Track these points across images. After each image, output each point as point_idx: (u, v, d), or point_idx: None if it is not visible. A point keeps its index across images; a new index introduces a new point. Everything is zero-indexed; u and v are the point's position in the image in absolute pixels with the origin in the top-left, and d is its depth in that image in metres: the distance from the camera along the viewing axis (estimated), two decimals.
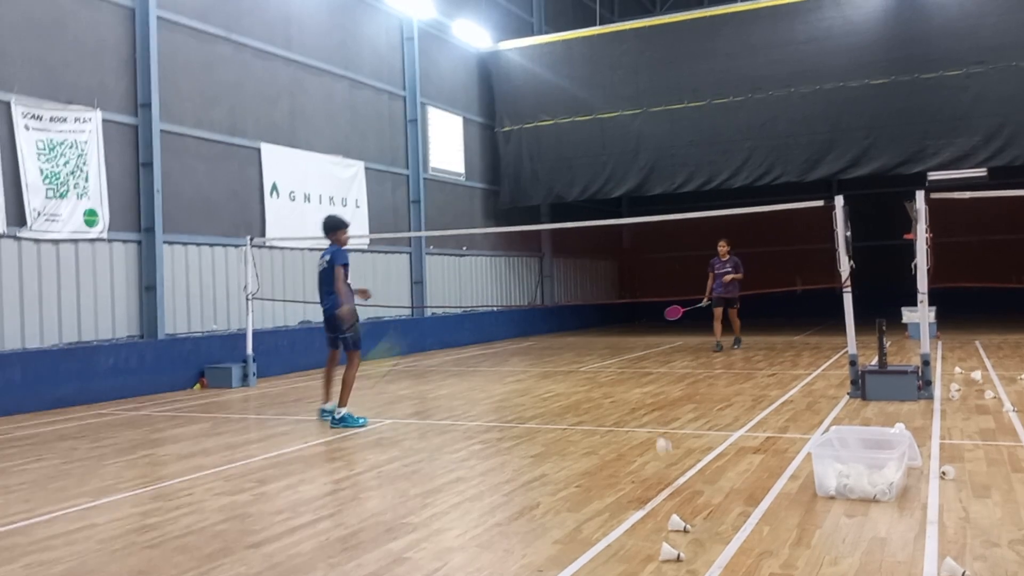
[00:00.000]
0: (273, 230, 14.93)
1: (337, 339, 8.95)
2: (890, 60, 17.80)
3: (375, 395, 11.10)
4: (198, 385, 12.82)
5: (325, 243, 9.16)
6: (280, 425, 8.93)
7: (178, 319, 13.19)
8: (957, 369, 11.52)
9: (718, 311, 16.12)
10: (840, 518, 4.78)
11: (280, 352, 14.47)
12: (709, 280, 16.10)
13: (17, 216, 11.00)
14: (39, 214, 11.21)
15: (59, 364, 11.13)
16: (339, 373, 8.88)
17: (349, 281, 8.90)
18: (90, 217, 11.91)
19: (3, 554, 4.64)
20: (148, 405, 11.03)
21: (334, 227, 8.98)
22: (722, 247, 16.13)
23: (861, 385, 9.30)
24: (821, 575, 3.88)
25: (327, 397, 9.12)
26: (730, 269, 15.96)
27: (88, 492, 6.07)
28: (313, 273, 9.44)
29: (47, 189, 11.35)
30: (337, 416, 8.56)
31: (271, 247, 14.96)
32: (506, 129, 22.09)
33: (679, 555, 4.12)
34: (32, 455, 7.65)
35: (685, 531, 4.56)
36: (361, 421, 8.57)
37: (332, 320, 8.84)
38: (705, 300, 15.92)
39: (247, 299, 12.99)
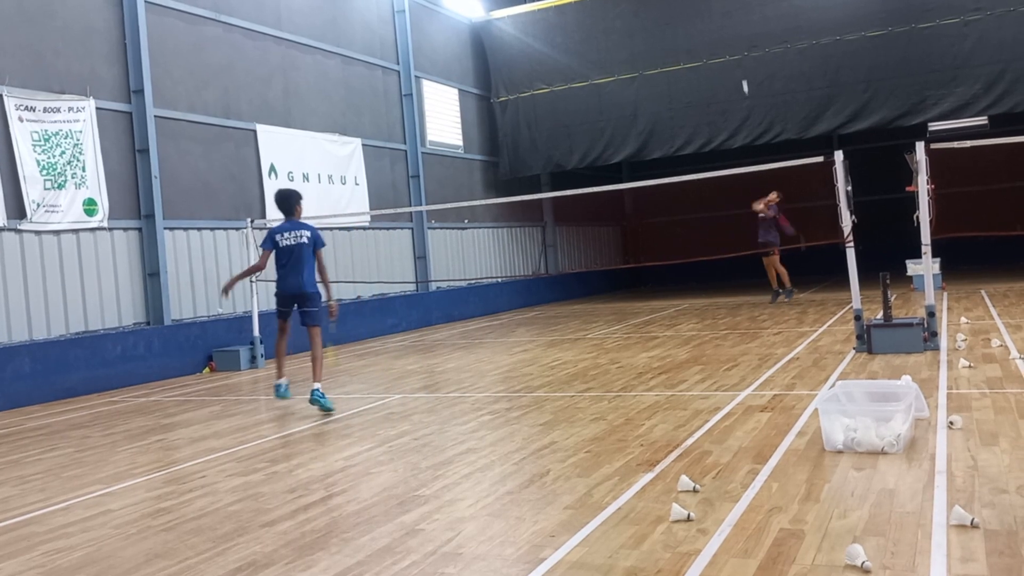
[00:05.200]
0: (273, 211, 14.87)
1: (303, 313, 8.55)
2: (886, 11, 17.64)
3: (382, 371, 11.15)
4: (207, 369, 12.88)
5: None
6: (290, 405, 8.97)
7: (183, 304, 13.23)
8: (963, 319, 11.51)
9: (764, 260, 16.85)
10: (848, 472, 4.80)
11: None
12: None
13: (17, 209, 11.00)
14: (38, 206, 11.21)
15: (67, 354, 11.19)
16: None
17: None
18: (89, 206, 11.91)
19: (21, 543, 4.70)
20: (158, 391, 11.09)
21: (296, 200, 8.66)
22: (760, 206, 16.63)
23: (867, 339, 9.30)
24: (831, 528, 3.90)
25: (282, 372, 8.84)
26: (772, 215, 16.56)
27: (102, 479, 6.13)
28: None
29: (45, 180, 11.34)
30: (320, 392, 8.23)
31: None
32: (502, 99, 21.96)
33: (689, 515, 4.15)
34: (46, 445, 7.72)
35: (695, 491, 4.59)
36: (330, 404, 8.28)
37: (304, 296, 8.47)
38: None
39: (251, 281, 13.01)
